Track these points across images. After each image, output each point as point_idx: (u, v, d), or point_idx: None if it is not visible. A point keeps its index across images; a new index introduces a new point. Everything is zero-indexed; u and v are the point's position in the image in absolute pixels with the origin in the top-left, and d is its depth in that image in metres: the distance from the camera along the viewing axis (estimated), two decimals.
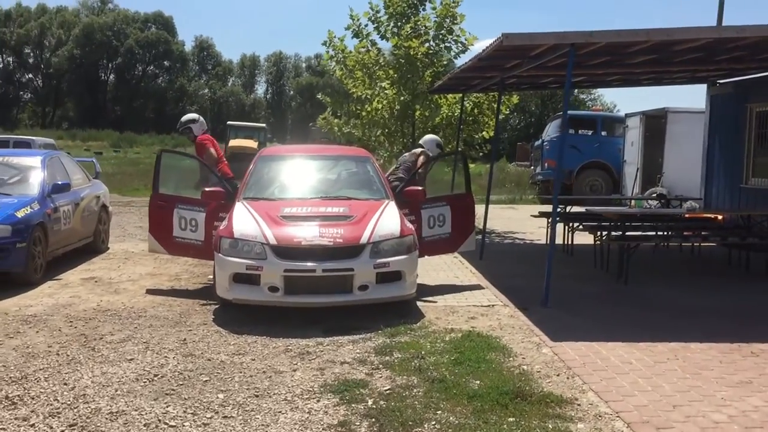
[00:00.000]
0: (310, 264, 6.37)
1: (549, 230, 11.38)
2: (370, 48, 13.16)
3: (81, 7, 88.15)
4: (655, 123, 17.39)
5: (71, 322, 6.44)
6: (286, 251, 6.44)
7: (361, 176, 8.19)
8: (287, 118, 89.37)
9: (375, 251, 6.59)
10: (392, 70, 12.56)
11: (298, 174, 8.11)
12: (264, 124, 40.91)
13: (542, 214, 11.46)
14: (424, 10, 13.08)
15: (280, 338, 6.02)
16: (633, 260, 8.82)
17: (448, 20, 12.80)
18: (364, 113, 12.93)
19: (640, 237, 8.67)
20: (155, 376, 5.03)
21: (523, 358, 5.53)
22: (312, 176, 8.08)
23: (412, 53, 12.45)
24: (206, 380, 4.96)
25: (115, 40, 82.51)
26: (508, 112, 13.93)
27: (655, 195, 13.04)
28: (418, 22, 12.66)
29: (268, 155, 8.48)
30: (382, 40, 13.16)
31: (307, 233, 6.53)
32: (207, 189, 7.64)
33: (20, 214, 7.86)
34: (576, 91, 50.64)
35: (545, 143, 20.61)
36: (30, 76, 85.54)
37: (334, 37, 13.30)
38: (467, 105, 13.20)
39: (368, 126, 12.95)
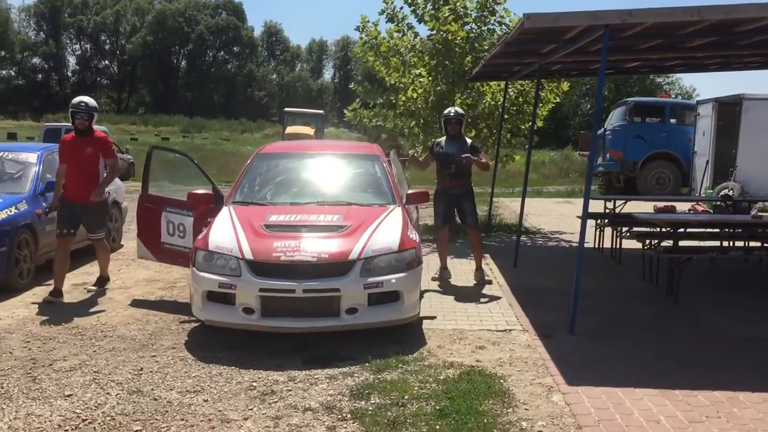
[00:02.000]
0: (289, 283, 5.54)
1: (596, 235, 10.35)
2: (406, 32, 12.17)
3: None
4: (730, 111, 15.73)
5: (28, 342, 5.80)
6: (263, 267, 5.62)
7: (367, 177, 7.28)
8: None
9: (367, 268, 5.69)
10: (428, 56, 11.55)
11: (296, 175, 7.27)
12: (321, 111, 40.25)
13: (590, 216, 10.29)
14: None
15: (251, 369, 5.23)
16: (689, 271, 7.66)
17: (490, 0, 11.69)
18: (400, 102, 11.98)
19: (692, 249, 7.47)
20: (83, 421, 4.30)
21: (526, 408, 4.56)
22: (311, 178, 7.23)
23: (450, 38, 11.42)
24: (138, 430, 4.20)
25: (187, 27, 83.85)
26: (558, 101, 12.69)
27: (721, 194, 11.67)
28: (458, 3, 11.58)
29: (265, 153, 7.66)
30: (419, 23, 12.16)
31: (289, 246, 5.68)
32: (194, 191, 6.88)
33: (2, 215, 7.31)
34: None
35: (607, 132, 19.16)
36: (106, 62, 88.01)
37: (368, 21, 12.35)
38: (511, 93, 12.09)
39: (402, 117, 11.98)
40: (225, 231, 6.01)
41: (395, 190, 7.00)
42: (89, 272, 8.42)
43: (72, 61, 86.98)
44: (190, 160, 7.40)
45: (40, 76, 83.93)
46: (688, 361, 5.49)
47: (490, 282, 8.12)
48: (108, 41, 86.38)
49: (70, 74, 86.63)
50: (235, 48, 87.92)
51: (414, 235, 6.28)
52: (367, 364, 5.32)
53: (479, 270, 8.23)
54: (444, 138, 8.22)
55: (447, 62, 11.47)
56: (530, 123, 12.52)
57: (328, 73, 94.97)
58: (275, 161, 7.50)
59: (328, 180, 7.19)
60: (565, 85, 12.26)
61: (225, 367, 5.28)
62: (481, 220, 12.78)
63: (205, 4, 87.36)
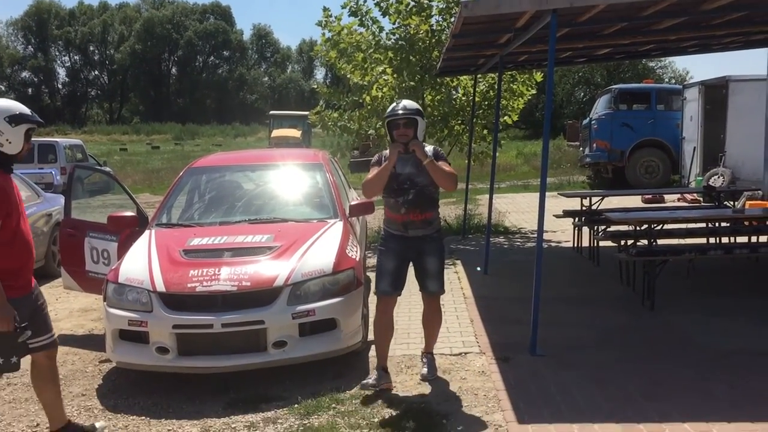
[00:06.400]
0: (206, 317, 4.92)
1: (574, 235, 9.68)
2: (370, 26, 11.48)
3: (142, 2, 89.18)
4: (716, 94, 15.12)
5: None
6: (177, 300, 5.00)
7: (308, 189, 6.67)
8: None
9: (296, 295, 5.08)
10: (391, 53, 10.91)
11: (229, 190, 6.66)
12: (308, 112, 39.68)
13: (567, 214, 9.69)
14: None
15: (162, 419, 4.63)
16: (669, 271, 7.05)
17: None
18: (366, 102, 11.32)
19: (668, 250, 6.83)
20: None
21: None
22: (245, 193, 6.61)
23: (412, 32, 10.79)
24: None
25: (175, 33, 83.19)
26: (533, 92, 12.03)
27: (704, 185, 11.01)
28: None
29: (197, 167, 7.04)
30: (384, 17, 11.48)
31: (207, 275, 5.06)
32: (115, 214, 6.26)
33: None
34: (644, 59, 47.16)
35: (593, 122, 18.51)
36: (96, 73, 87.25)
37: (330, 16, 11.66)
38: (481, 87, 11.46)
39: (369, 117, 11.32)
40: (138, 260, 5.40)
41: (338, 201, 6.38)
42: None
43: (62, 73, 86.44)
44: (113, 179, 6.79)
45: (30, 89, 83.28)
46: (658, 384, 4.86)
47: (432, 377, 5.14)
48: (97, 51, 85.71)
49: (60, 86, 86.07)
50: (225, 52, 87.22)
51: (354, 253, 5.66)
52: (296, 405, 4.72)
53: (429, 354, 5.28)
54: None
55: (411, 58, 10.83)
56: (505, 116, 11.95)
57: (320, 74, 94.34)
58: (207, 176, 6.89)
59: (263, 194, 6.58)
60: (538, 76, 11.61)
61: (134, 417, 4.68)
62: (456, 223, 12.22)
63: (193, 9, 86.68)
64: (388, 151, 4.94)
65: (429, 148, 4.92)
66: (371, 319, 6.06)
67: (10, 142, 3.77)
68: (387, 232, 5.06)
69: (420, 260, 4.99)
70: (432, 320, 5.22)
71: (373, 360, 5.52)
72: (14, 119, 3.77)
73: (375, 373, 4.98)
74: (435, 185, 4.92)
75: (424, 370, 5.15)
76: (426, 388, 4.96)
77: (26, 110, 3.87)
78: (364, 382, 4.90)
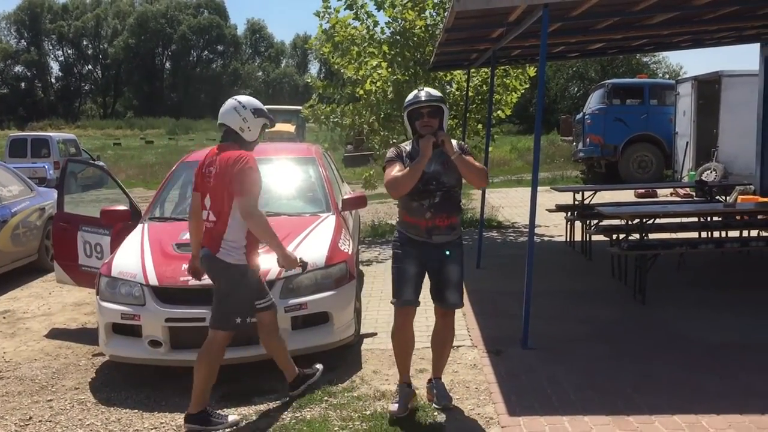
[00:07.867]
0: (198, 310, 4.92)
1: (567, 229, 9.73)
2: (365, 20, 11.44)
3: None
4: (709, 89, 15.16)
5: None
6: (169, 293, 5.01)
7: (300, 183, 6.67)
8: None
9: (288, 288, 5.09)
10: (386, 47, 10.90)
11: None
12: (300, 107, 39.63)
13: (560, 208, 9.73)
14: None
15: (155, 413, 4.64)
16: (661, 266, 7.08)
17: None
18: (362, 95, 11.28)
19: (659, 244, 6.86)
20: None
21: None
22: None
23: (408, 27, 10.79)
24: None
25: (169, 28, 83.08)
26: (527, 86, 12.02)
27: (696, 180, 11.04)
28: None
29: (190, 161, 7.01)
30: (378, 10, 11.45)
31: None
32: (107, 208, 6.25)
33: None
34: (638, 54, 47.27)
35: (586, 116, 18.53)
36: (89, 67, 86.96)
37: (329, 7, 11.54)
38: (475, 81, 11.47)
39: (362, 111, 11.31)
40: (131, 253, 5.40)
41: (330, 195, 6.38)
42: (15, 297, 7.82)
43: (55, 67, 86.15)
44: (106, 173, 6.79)
45: (23, 84, 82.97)
46: (649, 377, 4.89)
47: (450, 403, 4.55)
48: (90, 46, 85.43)
49: (53, 81, 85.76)
50: (219, 47, 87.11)
51: (347, 246, 5.67)
52: (288, 399, 4.73)
53: (438, 380, 4.68)
54: (412, 143, 4.45)
55: (406, 52, 10.84)
56: (499, 110, 11.96)
57: (314, 68, 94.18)
58: None
59: None
60: (531, 71, 11.62)
61: (127, 410, 4.69)
62: None
63: (187, 4, 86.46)
64: (406, 144, 4.47)
65: (453, 142, 4.34)
66: (364, 313, 6.11)
67: (250, 130, 4.42)
68: (404, 236, 4.43)
69: (443, 269, 4.40)
70: (446, 339, 4.63)
71: (366, 353, 5.58)
72: (257, 112, 4.44)
73: (397, 396, 4.53)
74: (460, 185, 4.47)
75: (444, 401, 4.51)
76: (418, 381, 4.97)
77: (265, 108, 4.53)
78: (393, 411, 4.43)
